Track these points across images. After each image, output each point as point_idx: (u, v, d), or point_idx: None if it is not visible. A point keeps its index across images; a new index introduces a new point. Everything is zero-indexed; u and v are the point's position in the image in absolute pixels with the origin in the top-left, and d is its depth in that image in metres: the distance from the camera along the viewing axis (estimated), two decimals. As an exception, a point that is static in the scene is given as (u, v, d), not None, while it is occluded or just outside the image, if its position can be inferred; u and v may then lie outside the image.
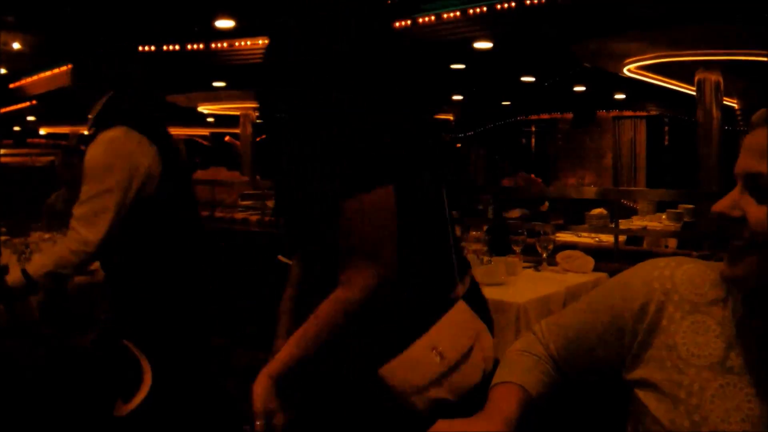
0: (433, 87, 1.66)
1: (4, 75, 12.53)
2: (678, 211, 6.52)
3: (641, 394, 1.05)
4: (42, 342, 2.85)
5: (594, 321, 1.15)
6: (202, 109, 15.48)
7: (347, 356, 1.44)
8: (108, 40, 2.46)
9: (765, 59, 7.73)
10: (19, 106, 14.60)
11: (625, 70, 9.66)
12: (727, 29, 7.22)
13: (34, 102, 14.10)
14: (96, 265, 3.29)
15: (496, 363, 1.40)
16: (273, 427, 1.36)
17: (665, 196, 6.30)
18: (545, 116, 17.62)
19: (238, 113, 15.45)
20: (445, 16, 7.64)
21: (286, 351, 1.39)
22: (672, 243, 5.54)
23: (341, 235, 1.39)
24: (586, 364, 1.16)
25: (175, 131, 2.68)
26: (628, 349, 1.09)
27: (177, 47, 9.52)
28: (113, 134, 2.28)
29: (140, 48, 8.71)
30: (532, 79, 12.43)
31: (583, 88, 13.82)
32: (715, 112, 8.53)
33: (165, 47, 9.45)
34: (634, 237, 5.54)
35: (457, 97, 14.80)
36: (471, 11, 7.54)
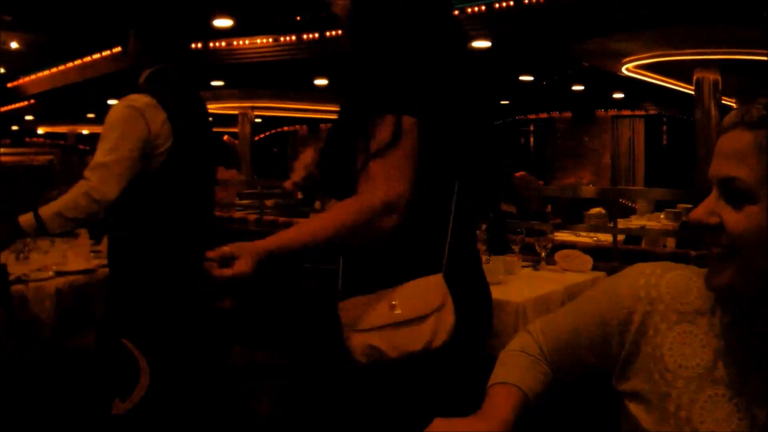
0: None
1: (2, 74, 12.53)
2: (676, 210, 6.52)
3: (631, 406, 1.04)
4: (40, 341, 2.85)
5: (582, 327, 1.14)
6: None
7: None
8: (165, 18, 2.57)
9: (763, 58, 7.73)
10: (17, 105, 14.59)
11: (623, 70, 9.67)
12: (724, 28, 7.22)
13: (32, 101, 14.09)
14: (94, 263, 3.29)
15: (445, 344, 1.46)
16: (223, 286, 1.38)
17: (664, 195, 6.26)
18: (543, 115, 17.64)
19: (236, 112, 15.45)
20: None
21: (284, 234, 1.42)
22: (670, 242, 5.53)
23: (360, 154, 1.44)
24: (577, 369, 1.15)
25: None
26: (616, 357, 1.08)
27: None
28: (132, 98, 2.36)
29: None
30: (530, 78, 12.44)
31: (581, 88, 13.83)
32: (713, 111, 8.54)
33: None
34: (633, 236, 5.54)
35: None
36: (469, 10, 7.54)
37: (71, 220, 2.29)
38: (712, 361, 0.99)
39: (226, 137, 14.18)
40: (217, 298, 2.26)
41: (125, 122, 2.32)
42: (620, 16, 7.22)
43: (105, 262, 3.10)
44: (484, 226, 3.41)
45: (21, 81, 12.80)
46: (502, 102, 16.66)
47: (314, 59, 9.19)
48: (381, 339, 1.48)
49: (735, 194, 0.92)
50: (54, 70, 11.57)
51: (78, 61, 10.74)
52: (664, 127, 16.22)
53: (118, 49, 9.66)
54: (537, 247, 3.31)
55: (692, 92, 9.16)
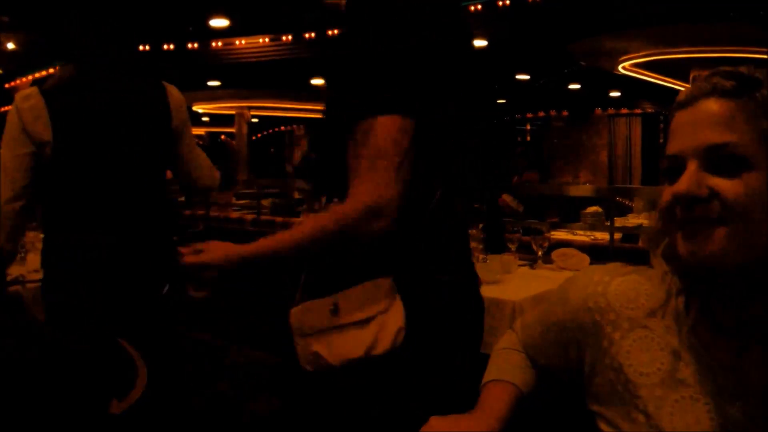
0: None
1: (-2, 75, 12.51)
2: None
3: (602, 425, 1.01)
4: (36, 340, 2.84)
5: (546, 332, 1.14)
6: (197, 108, 15.48)
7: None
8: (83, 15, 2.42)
9: (759, 56, 7.74)
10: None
11: (620, 68, 9.69)
12: (721, 27, 7.24)
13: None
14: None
15: (390, 351, 1.37)
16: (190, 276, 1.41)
17: (661, 193, 6.26)
18: (540, 114, 17.64)
19: (233, 112, 15.45)
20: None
21: (263, 241, 1.40)
22: (667, 240, 5.54)
23: (350, 157, 1.40)
24: (551, 369, 1.15)
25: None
26: (577, 369, 1.06)
27: (173, 47, 9.51)
28: (20, 92, 2.31)
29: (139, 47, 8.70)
30: (527, 77, 12.45)
31: (578, 86, 13.84)
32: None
33: (163, 46, 9.44)
34: (630, 235, 5.54)
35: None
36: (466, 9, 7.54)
37: None
38: (673, 363, 0.96)
39: (222, 137, 14.14)
40: (187, 287, 2.25)
41: (9, 116, 2.28)
42: (617, 15, 7.23)
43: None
44: (481, 225, 3.41)
45: (18, 82, 12.79)
46: (499, 101, 16.67)
47: (311, 59, 9.19)
48: (321, 344, 1.42)
49: (727, 162, 0.88)
50: (51, 70, 11.57)
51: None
52: (661, 126, 16.23)
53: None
54: (534, 246, 3.31)
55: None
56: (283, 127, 21.76)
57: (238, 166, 14.05)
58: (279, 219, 6.14)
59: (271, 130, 22.13)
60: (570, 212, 6.46)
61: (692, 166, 0.90)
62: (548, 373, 1.16)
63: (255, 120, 17.93)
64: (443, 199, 1.49)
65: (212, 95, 14.20)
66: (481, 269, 2.87)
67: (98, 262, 2.30)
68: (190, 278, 1.44)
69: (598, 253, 3.64)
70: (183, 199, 6.42)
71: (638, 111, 16.15)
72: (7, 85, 13.03)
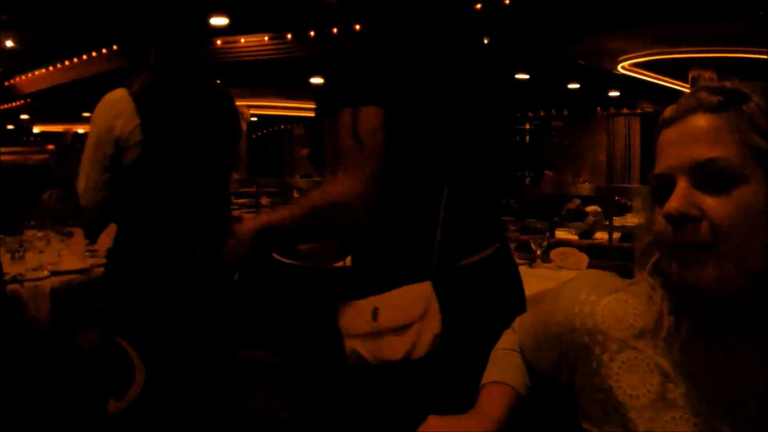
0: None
1: (-3, 73, 12.50)
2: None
3: None
4: (36, 340, 2.84)
5: (538, 340, 1.13)
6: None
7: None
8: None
9: (758, 56, 7.74)
10: (13, 104, 14.56)
11: (619, 68, 9.69)
12: (720, 26, 7.24)
13: (27, 100, 14.05)
14: (89, 263, 3.29)
15: (427, 354, 1.42)
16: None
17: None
18: (540, 114, 17.64)
19: (232, 111, 15.41)
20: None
21: (263, 217, 1.59)
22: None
23: (328, 149, 1.48)
24: (544, 376, 1.14)
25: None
26: (570, 383, 1.05)
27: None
28: (107, 95, 2.38)
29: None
30: (526, 76, 12.44)
31: (577, 86, 13.83)
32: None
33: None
34: (628, 234, 5.55)
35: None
36: (465, 9, 7.52)
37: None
38: (662, 384, 0.94)
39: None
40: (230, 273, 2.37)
41: (97, 115, 2.35)
42: (616, 14, 7.23)
43: (100, 261, 3.10)
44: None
45: (16, 80, 12.77)
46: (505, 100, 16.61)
47: (310, 58, 9.18)
48: (363, 347, 1.47)
49: (717, 179, 0.86)
50: (51, 68, 11.55)
51: (73, 60, 10.72)
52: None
53: (113, 47, 9.65)
54: (532, 245, 3.31)
55: (688, 90, 9.17)
56: (282, 126, 21.75)
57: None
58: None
59: (270, 129, 22.12)
60: (569, 211, 6.46)
61: (681, 184, 0.88)
62: (543, 379, 1.15)
63: (254, 119, 17.92)
64: (454, 195, 1.51)
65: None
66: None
67: (174, 255, 2.42)
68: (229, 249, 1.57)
69: (596, 253, 3.64)
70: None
71: (637, 111, 16.15)
72: (6, 84, 13.03)
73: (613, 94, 14.84)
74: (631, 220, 6.81)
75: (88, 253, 3.45)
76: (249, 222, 1.56)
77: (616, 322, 0.99)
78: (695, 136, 0.88)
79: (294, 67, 10.37)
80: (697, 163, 0.87)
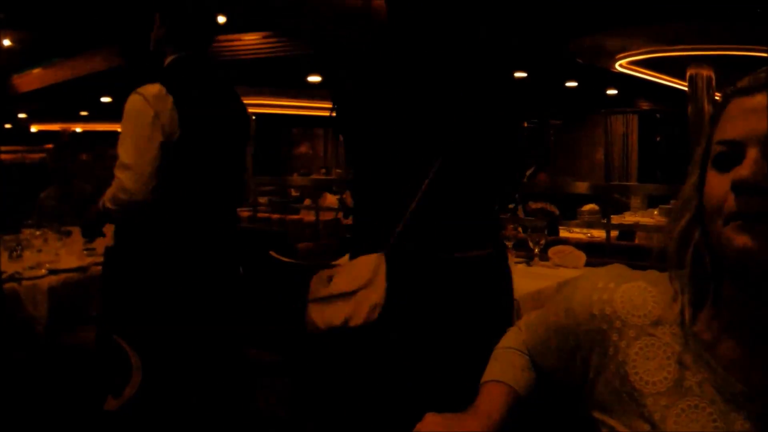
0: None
1: (-6, 72, 12.47)
2: (670, 206, 6.53)
3: None
4: (33, 338, 2.84)
5: (550, 335, 1.12)
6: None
7: None
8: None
9: (756, 54, 7.75)
10: (9, 103, 14.53)
11: (617, 66, 9.69)
12: (718, 25, 7.24)
13: (23, 100, 14.04)
14: (87, 261, 3.29)
15: (364, 325, 1.48)
16: None
17: (657, 191, 6.26)
18: (537, 112, 17.64)
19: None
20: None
21: None
22: (664, 238, 5.55)
23: None
24: (553, 373, 1.13)
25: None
26: (582, 375, 1.04)
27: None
28: (142, 88, 2.38)
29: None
30: (524, 74, 12.45)
31: (575, 84, 13.84)
32: (707, 108, 8.56)
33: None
34: (626, 232, 5.55)
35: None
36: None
37: (112, 212, 2.37)
38: (679, 371, 0.94)
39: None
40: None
41: (136, 112, 2.34)
42: (614, 13, 7.23)
43: (98, 260, 3.10)
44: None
45: (14, 79, 12.75)
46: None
47: (308, 56, 9.17)
48: (315, 311, 1.55)
49: None
50: (48, 67, 11.54)
51: (71, 59, 10.71)
52: (658, 124, 16.25)
53: (112, 47, 9.63)
54: (530, 243, 3.32)
55: (686, 88, 9.18)
56: (280, 125, 21.74)
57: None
58: (276, 216, 6.15)
59: (268, 128, 22.10)
60: (567, 210, 6.47)
61: (754, 154, 0.85)
62: (550, 377, 1.15)
63: (252, 118, 17.91)
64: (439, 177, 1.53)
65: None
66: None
67: (191, 248, 2.46)
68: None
69: (594, 251, 3.64)
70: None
71: (636, 109, 16.15)
72: (4, 83, 13.01)
73: (611, 92, 14.85)
74: (628, 218, 6.83)
75: (85, 252, 3.45)
76: None
77: (635, 308, 0.99)
78: None
79: (292, 66, 10.36)
80: None
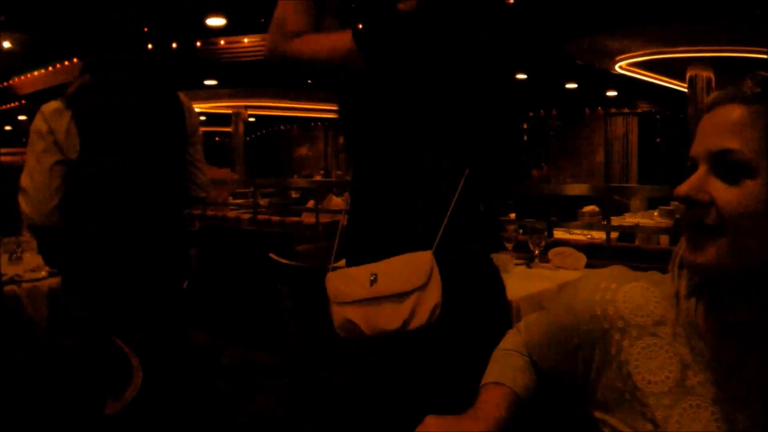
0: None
1: (-6, 74, 12.49)
2: (670, 207, 6.53)
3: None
4: (34, 340, 2.84)
5: (551, 336, 1.12)
6: (194, 107, 15.44)
7: None
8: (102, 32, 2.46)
9: (756, 55, 7.75)
10: (10, 105, 14.55)
11: (616, 67, 9.70)
12: (718, 26, 7.24)
13: (24, 101, 14.05)
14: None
15: (421, 328, 1.40)
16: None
17: (657, 192, 6.24)
18: (537, 113, 17.65)
19: (229, 111, 15.43)
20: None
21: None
22: (664, 239, 5.55)
23: None
24: (553, 374, 1.14)
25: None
26: (584, 374, 1.05)
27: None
28: (45, 105, 2.33)
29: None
30: (524, 76, 12.46)
31: (575, 86, 13.85)
32: (707, 109, 8.57)
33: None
34: (626, 234, 5.55)
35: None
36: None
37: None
38: (681, 371, 0.95)
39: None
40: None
41: (33, 130, 2.29)
42: (614, 14, 7.23)
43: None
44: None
45: (14, 81, 12.76)
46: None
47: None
48: (357, 314, 1.44)
49: (730, 168, 0.88)
50: (48, 69, 11.54)
51: (71, 61, 10.72)
52: (658, 125, 16.25)
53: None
54: (530, 245, 3.31)
55: (686, 90, 9.19)
56: (282, 127, 21.76)
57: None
58: (276, 218, 6.14)
59: (267, 130, 22.12)
60: (567, 211, 6.47)
61: (701, 170, 0.90)
62: (551, 378, 1.15)
63: (252, 119, 17.92)
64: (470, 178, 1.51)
65: (209, 94, 14.18)
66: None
67: (119, 259, 2.34)
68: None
69: (594, 252, 3.64)
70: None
71: (635, 110, 16.16)
72: (4, 84, 13.02)
73: (611, 93, 14.86)
74: (629, 219, 6.82)
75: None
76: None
77: (637, 308, 1.00)
78: (721, 125, 0.90)
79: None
80: (717, 151, 0.89)
